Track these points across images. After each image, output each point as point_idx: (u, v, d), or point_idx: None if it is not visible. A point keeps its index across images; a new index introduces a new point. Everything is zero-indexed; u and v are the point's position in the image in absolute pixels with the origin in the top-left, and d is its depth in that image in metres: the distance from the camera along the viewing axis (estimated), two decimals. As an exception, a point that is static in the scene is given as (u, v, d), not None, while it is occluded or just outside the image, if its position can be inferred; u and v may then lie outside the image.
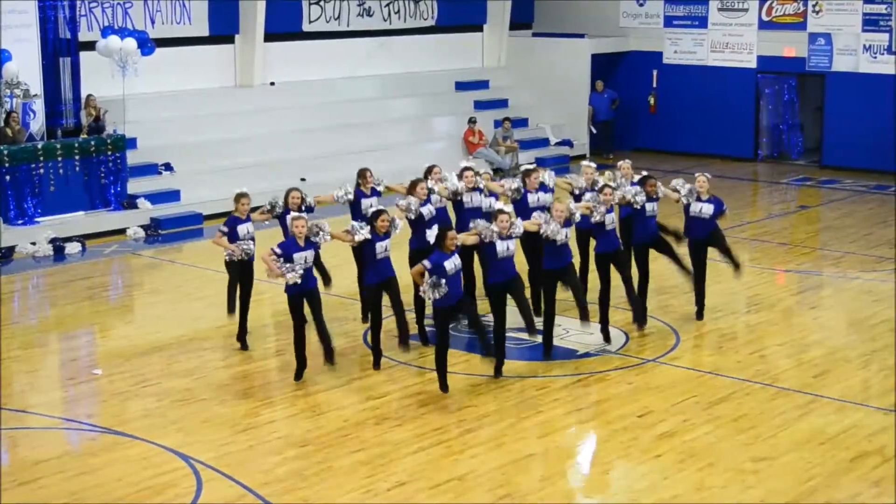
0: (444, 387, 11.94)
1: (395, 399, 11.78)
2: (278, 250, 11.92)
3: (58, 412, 11.62)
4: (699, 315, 14.34)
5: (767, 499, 9.57)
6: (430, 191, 13.79)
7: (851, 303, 15.36)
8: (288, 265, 11.86)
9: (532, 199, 14.08)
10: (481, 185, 14.09)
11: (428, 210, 13.53)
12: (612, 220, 13.33)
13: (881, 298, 15.33)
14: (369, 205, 13.48)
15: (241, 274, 13.31)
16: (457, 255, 11.85)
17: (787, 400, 11.74)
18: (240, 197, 13.38)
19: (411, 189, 13.55)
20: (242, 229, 13.25)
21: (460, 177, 13.95)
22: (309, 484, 9.84)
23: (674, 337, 13.74)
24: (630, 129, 27.71)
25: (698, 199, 14.04)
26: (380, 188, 14.31)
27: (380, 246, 12.36)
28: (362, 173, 14.20)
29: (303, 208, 13.35)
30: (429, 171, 14.46)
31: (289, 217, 12.40)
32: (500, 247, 12.08)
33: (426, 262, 11.71)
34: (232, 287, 13.37)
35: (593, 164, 14.97)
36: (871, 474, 10.01)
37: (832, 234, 19.58)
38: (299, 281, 11.95)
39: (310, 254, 12.15)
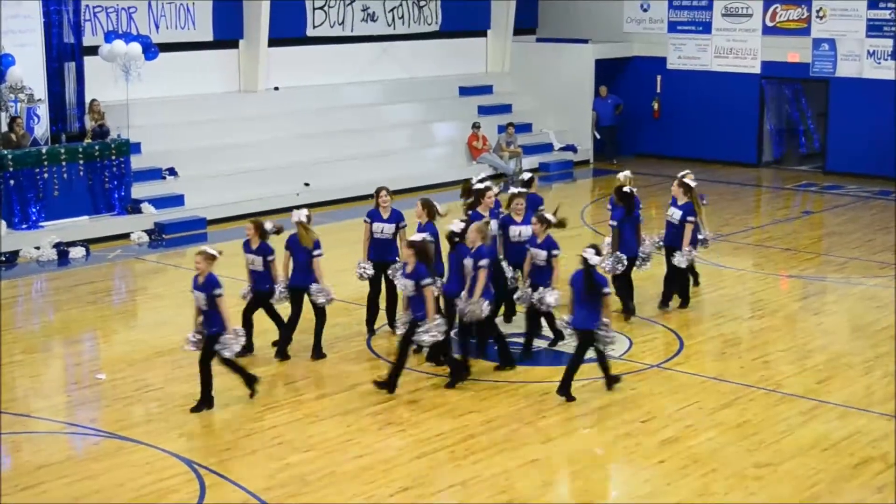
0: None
1: (397, 405, 11.77)
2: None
3: (61, 417, 11.61)
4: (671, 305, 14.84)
5: (770, 505, 9.58)
6: (481, 253, 12.18)
7: (855, 308, 15.34)
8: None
9: (514, 231, 13.36)
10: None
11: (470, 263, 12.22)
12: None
13: (884, 304, 15.30)
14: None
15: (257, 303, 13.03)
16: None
17: (790, 406, 11.72)
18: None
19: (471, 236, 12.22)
20: (247, 259, 12.81)
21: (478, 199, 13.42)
22: (311, 489, 9.83)
23: (677, 342, 13.73)
24: (634, 135, 27.69)
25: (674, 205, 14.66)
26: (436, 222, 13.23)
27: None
28: (428, 204, 13.19)
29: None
30: (481, 193, 13.40)
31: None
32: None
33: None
34: (283, 322, 13.06)
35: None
36: (874, 480, 9.99)
37: (835, 239, 19.55)
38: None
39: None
